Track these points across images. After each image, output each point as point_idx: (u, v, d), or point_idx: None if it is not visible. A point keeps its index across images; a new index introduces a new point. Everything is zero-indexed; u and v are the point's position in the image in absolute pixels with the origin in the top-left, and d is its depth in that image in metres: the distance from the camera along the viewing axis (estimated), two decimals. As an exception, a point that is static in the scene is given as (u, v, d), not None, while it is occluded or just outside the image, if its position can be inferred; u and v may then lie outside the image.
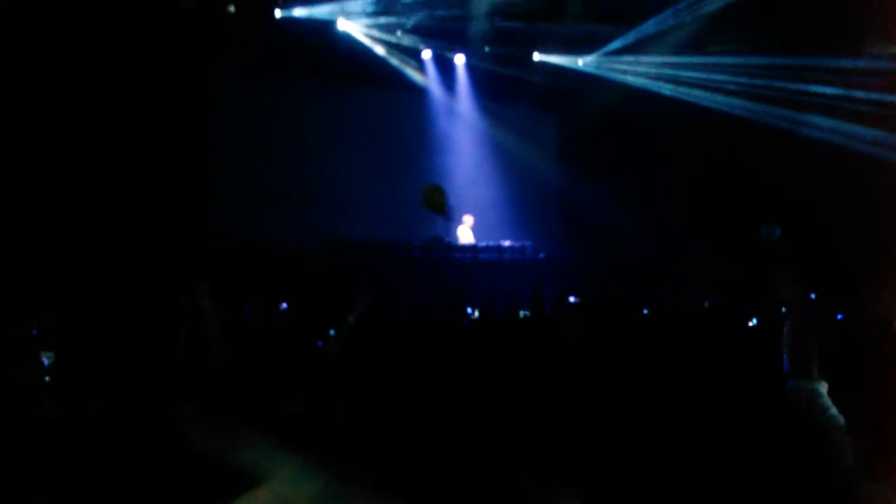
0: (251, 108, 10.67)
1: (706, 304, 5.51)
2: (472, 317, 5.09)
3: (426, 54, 11.70)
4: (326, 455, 2.42)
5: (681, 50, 10.96)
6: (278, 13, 10.30)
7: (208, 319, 3.07)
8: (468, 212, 10.86)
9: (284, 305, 6.10)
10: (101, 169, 8.84)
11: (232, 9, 9.95)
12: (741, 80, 10.77)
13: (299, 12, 10.39)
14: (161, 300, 3.64)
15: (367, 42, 11.16)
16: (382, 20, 10.90)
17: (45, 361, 3.10)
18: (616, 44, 11.30)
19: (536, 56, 11.91)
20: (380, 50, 11.30)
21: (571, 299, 6.17)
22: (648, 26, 10.76)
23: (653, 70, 11.49)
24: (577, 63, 11.93)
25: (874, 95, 9.80)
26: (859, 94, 9.89)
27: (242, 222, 10.09)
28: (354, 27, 10.99)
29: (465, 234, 10.71)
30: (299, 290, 6.95)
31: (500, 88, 12.06)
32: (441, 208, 9.55)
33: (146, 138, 9.26)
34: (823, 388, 3.57)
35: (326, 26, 10.78)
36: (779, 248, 10.89)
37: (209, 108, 10.40)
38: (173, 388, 2.88)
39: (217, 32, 9.77)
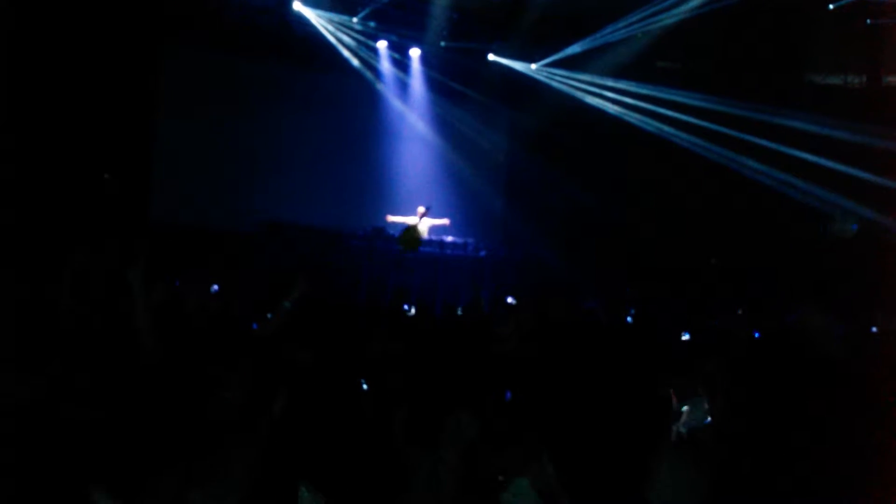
0: (197, 86, 10.39)
1: (632, 314, 5.70)
2: (409, 313, 5.13)
3: (381, 45, 11.61)
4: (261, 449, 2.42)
5: (630, 71, 11.28)
6: (232, -12, 10.03)
7: (137, 304, 2.97)
8: (419, 203, 10.93)
9: (215, 287, 5.98)
10: (36, 145, 8.42)
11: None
12: (685, 116, 11.25)
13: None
14: (91, 283, 3.54)
15: (321, 27, 11.00)
16: (339, 6, 10.76)
17: None
18: (568, 50, 11.51)
19: (490, 56, 12.01)
20: (334, 36, 11.16)
21: (509, 300, 6.28)
22: (599, 39, 11.01)
23: (602, 91, 11.79)
24: (529, 68, 12.10)
25: (806, 155, 10.50)
26: (794, 151, 10.57)
27: (183, 204, 9.85)
28: (310, 10, 10.81)
29: (421, 226, 10.75)
30: (239, 273, 6.85)
31: (453, 84, 12.10)
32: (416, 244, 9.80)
33: (84, 114, 8.86)
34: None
35: (281, 6, 10.57)
36: (714, 263, 11.38)
37: (152, 84, 10.06)
38: (99, 375, 2.79)
39: (165, 5, 9.44)
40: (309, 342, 3.41)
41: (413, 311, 5.20)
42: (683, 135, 11.33)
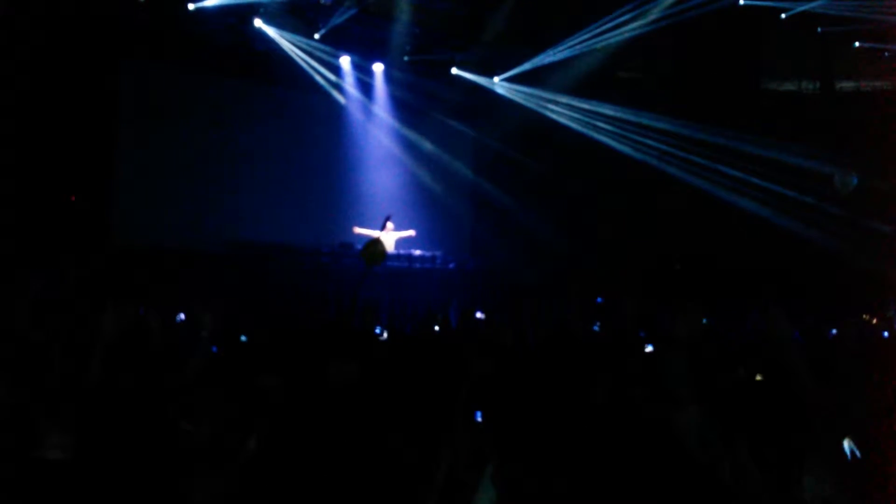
0: (158, 103, 10.21)
1: (597, 327, 5.71)
2: (380, 335, 5.08)
3: (344, 61, 11.56)
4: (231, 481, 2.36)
5: (589, 86, 11.46)
6: (191, 5, 9.89)
7: (100, 342, 2.86)
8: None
9: (181, 316, 5.83)
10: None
11: (142, -4, 9.48)
12: (643, 139, 11.51)
13: (213, 1, 9.96)
14: (49, 307, 3.44)
15: (283, 43, 10.90)
16: (299, 23, 10.67)
17: None
18: (529, 64, 11.62)
19: (454, 70, 12.05)
20: (296, 52, 11.08)
21: (478, 315, 6.26)
22: (558, 52, 11.14)
23: (561, 108, 11.95)
24: (492, 82, 12.17)
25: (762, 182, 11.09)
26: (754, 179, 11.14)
27: (145, 225, 9.66)
28: (271, 28, 10.71)
29: (388, 239, 10.70)
30: (201, 295, 6.70)
31: (417, 99, 12.09)
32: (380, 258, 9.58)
33: (42, 134, 8.63)
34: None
35: (242, 23, 10.46)
36: (677, 268, 11.56)
37: (112, 103, 9.87)
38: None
39: (124, 21, 9.27)
40: (276, 367, 3.33)
41: (385, 334, 5.14)
42: (640, 147, 11.57)
